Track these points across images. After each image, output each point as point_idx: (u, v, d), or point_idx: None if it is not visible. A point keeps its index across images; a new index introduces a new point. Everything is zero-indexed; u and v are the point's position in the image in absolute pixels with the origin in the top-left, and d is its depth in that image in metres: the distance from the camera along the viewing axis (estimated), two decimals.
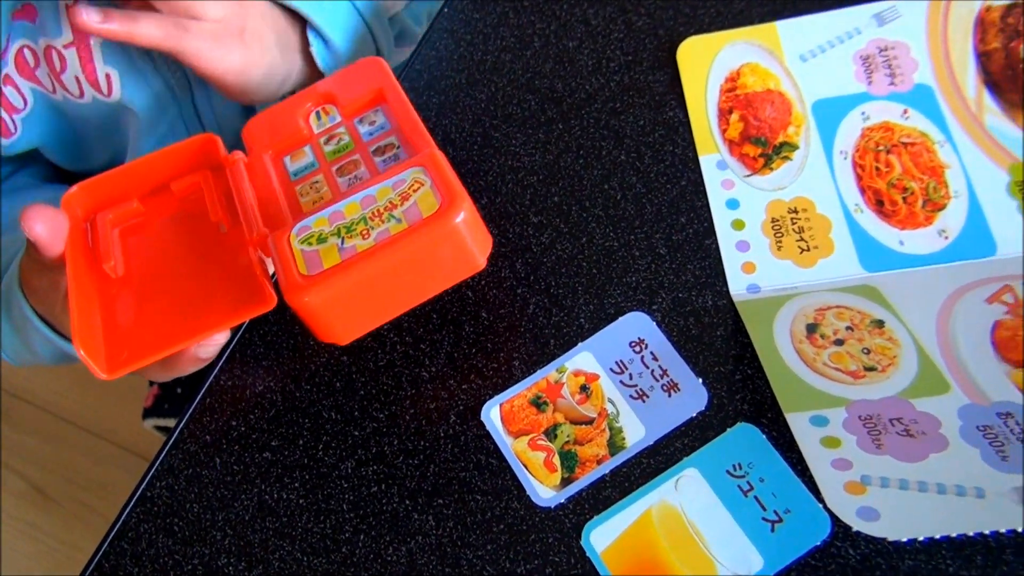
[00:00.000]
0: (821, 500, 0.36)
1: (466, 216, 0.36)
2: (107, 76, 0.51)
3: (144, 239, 0.42)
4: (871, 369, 0.36)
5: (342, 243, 0.37)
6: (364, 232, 0.37)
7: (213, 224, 0.42)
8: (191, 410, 0.44)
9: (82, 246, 0.41)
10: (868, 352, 0.37)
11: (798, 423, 0.35)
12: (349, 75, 0.45)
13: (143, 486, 0.42)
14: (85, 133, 0.56)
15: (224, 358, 0.45)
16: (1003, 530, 0.28)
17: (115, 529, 0.42)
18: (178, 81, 0.54)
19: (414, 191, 0.37)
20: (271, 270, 0.39)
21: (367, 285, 0.36)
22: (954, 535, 0.29)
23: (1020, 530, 0.30)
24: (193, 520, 0.41)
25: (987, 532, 0.28)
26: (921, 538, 0.27)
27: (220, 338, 0.39)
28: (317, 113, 0.45)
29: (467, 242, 0.36)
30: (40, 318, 0.48)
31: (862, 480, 0.31)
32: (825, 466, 0.32)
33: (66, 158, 0.59)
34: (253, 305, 0.38)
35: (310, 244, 0.37)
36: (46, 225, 0.38)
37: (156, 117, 0.54)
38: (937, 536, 0.29)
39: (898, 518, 0.29)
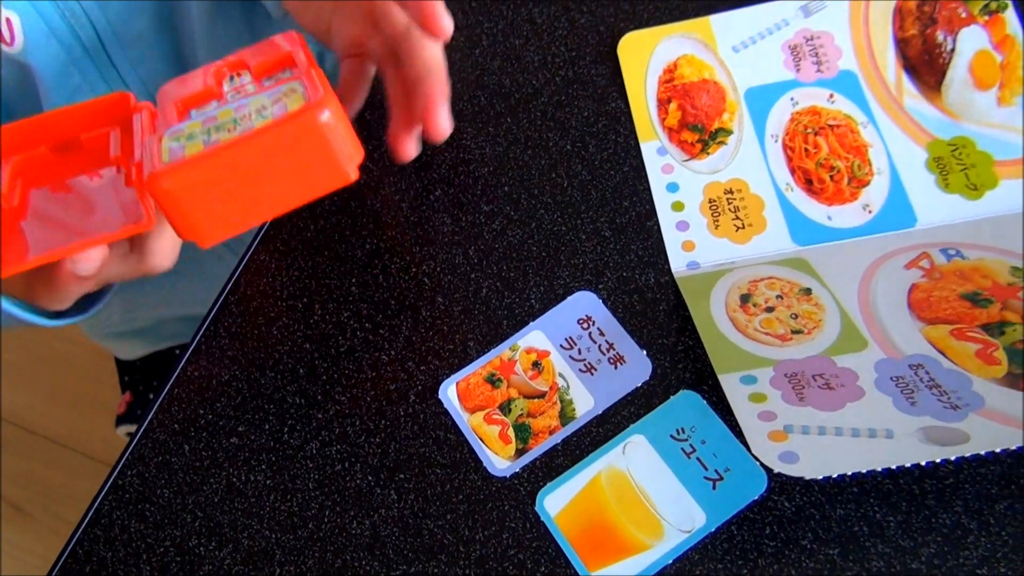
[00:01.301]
0: (757, 456, 0.39)
1: (331, 115, 0.35)
2: (7, 21, 0.49)
3: (45, 177, 0.42)
4: (798, 332, 0.39)
5: (208, 138, 0.37)
6: (230, 128, 0.37)
7: (111, 163, 0.42)
8: (159, 400, 0.45)
9: None
10: (796, 317, 0.40)
11: (729, 383, 0.38)
12: (263, 47, 0.46)
13: (114, 474, 0.44)
14: (3, 92, 0.54)
15: (191, 350, 0.46)
16: (908, 464, 0.30)
17: (88, 516, 0.43)
18: (87, 37, 0.52)
19: (286, 97, 0.38)
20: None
21: (225, 175, 0.36)
22: (864, 471, 0.31)
23: (924, 464, 0.32)
24: (164, 505, 0.43)
25: (894, 467, 0.30)
26: (835, 475, 0.30)
27: (95, 253, 0.38)
28: (231, 78, 0.45)
29: (330, 143, 0.36)
30: None
31: (785, 429, 0.34)
32: (752, 418, 0.35)
33: None
34: (132, 225, 0.38)
35: (178, 141, 0.38)
36: None
37: (67, 72, 0.52)
38: (849, 472, 0.31)
39: (814, 459, 0.32)
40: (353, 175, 0.37)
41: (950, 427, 0.32)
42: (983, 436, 0.31)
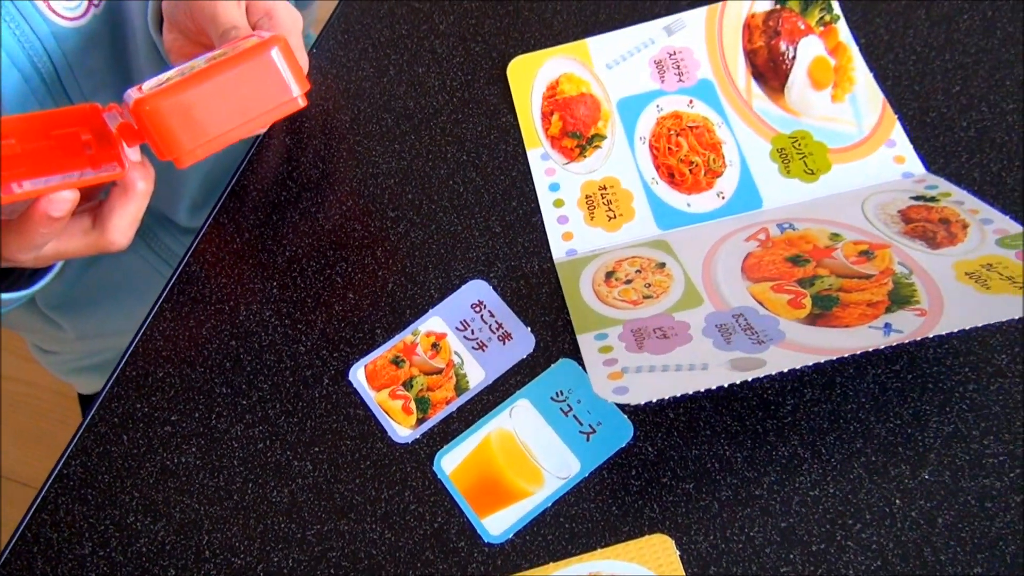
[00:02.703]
0: (625, 412, 0.44)
1: (280, 50, 0.43)
2: None
3: (17, 160, 0.45)
4: (648, 297, 0.45)
5: (182, 75, 0.43)
6: (199, 68, 0.43)
7: (83, 145, 0.46)
8: (100, 399, 0.50)
9: None
10: (649, 286, 0.45)
11: (585, 340, 0.43)
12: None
13: (59, 466, 0.48)
14: None
15: (128, 353, 0.51)
16: (713, 387, 0.36)
17: (35, 504, 0.48)
18: (46, 70, 0.57)
19: (244, 43, 0.45)
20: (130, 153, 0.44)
21: (199, 98, 0.42)
22: (679, 395, 0.37)
23: (726, 385, 0.38)
24: (104, 489, 0.47)
25: (703, 390, 0.36)
26: (655, 399, 0.35)
27: (68, 194, 0.42)
28: None
29: (280, 71, 0.43)
30: None
31: (622, 370, 0.39)
32: (598, 365, 0.40)
33: None
34: (107, 174, 0.43)
35: (157, 84, 0.44)
36: None
37: (26, 101, 0.56)
38: (666, 397, 0.37)
39: (640, 389, 0.37)
40: (302, 102, 0.44)
41: (752, 357, 0.37)
42: (775, 361, 0.37)
